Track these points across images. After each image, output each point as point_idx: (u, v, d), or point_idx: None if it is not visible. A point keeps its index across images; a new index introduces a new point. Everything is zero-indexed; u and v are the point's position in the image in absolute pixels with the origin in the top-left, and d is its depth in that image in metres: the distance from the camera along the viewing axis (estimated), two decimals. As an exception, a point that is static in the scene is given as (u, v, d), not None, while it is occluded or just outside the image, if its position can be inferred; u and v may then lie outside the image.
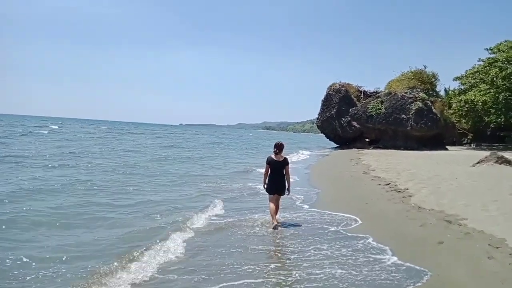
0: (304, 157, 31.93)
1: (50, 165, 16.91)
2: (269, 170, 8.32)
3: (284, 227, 8.39)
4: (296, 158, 29.91)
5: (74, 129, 67.20)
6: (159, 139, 53.20)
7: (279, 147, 8.28)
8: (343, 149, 42.49)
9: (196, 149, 36.77)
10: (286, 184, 8.40)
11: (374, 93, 45.65)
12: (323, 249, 6.83)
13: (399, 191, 11.69)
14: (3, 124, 66.58)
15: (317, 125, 52.92)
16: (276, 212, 8.34)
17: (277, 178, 8.30)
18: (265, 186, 8.51)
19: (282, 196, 8.64)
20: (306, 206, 10.70)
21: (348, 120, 45.17)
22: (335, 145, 49.90)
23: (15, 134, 40.93)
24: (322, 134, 53.27)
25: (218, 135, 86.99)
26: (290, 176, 8.66)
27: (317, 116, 51.04)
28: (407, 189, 11.87)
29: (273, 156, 8.34)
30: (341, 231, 8.08)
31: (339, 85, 48.68)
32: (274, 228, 8.02)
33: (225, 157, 28.68)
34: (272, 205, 8.29)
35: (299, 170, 20.63)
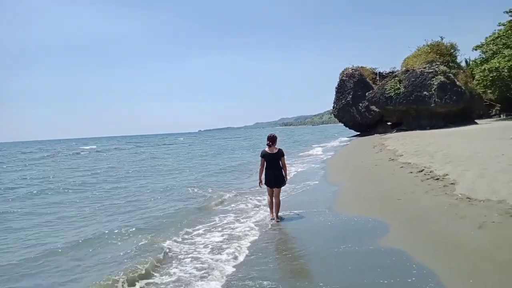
0: (320, 150, 29.54)
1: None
2: (265, 164, 8.10)
3: (292, 243, 6.55)
4: (311, 152, 27.64)
5: (107, 147, 64.84)
6: (198, 146, 51.50)
7: (271, 139, 8.04)
8: (364, 136, 39.87)
9: (247, 153, 32.36)
10: (284, 175, 8.16)
11: (391, 73, 42.83)
12: (341, 276, 4.73)
13: (438, 179, 9.38)
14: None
15: (333, 115, 50.42)
16: (278, 207, 8.17)
17: (273, 171, 8.05)
18: (261, 180, 8.28)
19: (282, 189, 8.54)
20: (320, 209, 8.59)
21: (366, 105, 42.60)
22: (356, 133, 47.26)
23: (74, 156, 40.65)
24: (341, 124, 50.73)
25: (245, 136, 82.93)
26: (287, 168, 8.64)
27: (332, 105, 48.54)
28: (447, 174, 9.54)
29: (266, 149, 8.11)
30: (365, 244, 5.94)
31: (352, 69, 46.07)
32: (272, 219, 8.04)
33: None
34: (269, 199, 8.23)
35: (313, 165, 18.44)
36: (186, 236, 7.34)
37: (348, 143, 34.04)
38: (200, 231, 7.68)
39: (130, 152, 44.30)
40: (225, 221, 8.42)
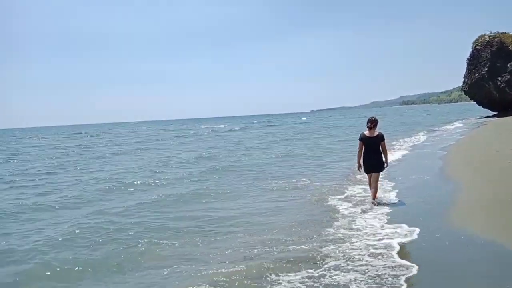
0: (442, 133, 25.21)
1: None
2: (363, 147, 7.80)
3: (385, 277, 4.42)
4: (431, 135, 23.68)
5: (233, 126, 62.65)
6: (331, 124, 49.73)
7: (373, 122, 7.70)
8: (503, 116, 33.22)
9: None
10: (384, 160, 7.79)
11: (542, 39, 34.79)
12: None
13: None
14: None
15: (463, 91, 43.52)
16: (375, 193, 7.82)
17: (371, 155, 7.75)
18: (359, 164, 7.99)
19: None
20: (429, 218, 6.23)
21: (507, 79, 35.62)
22: (492, 113, 40.03)
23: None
24: (473, 102, 43.59)
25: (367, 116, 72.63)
26: (388, 152, 8.17)
27: (463, 80, 41.77)
28: None
29: (366, 132, 7.80)
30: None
31: (490, 36, 38.79)
32: (373, 203, 7.62)
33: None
34: (370, 184, 7.98)
35: (430, 152, 15.23)
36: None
37: (480, 125, 28.54)
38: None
39: (269, 131, 43.27)
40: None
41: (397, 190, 8.78)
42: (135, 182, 11.38)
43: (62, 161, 19.80)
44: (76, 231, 6.63)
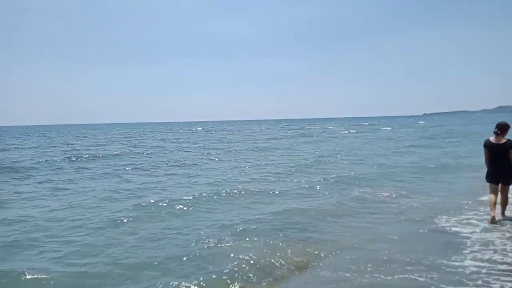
0: None
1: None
2: (489, 155, 7.16)
3: None
4: None
5: (345, 127, 60.53)
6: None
7: (501, 128, 7.05)
8: None
9: None
10: None
11: None
12: None
13: None
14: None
15: None
16: (504, 204, 7.19)
17: (498, 165, 7.04)
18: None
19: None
20: None
21: None
22: None
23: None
24: None
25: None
26: None
27: None
28: None
29: (491, 138, 7.16)
30: None
31: None
32: (492, 221, 6.75)
33: None
34: (492, 196, 7.01)
35: None
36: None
37: None
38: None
39: (385, 135, 39.41)
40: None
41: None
42: (252, 189, 10.35)
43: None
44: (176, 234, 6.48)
